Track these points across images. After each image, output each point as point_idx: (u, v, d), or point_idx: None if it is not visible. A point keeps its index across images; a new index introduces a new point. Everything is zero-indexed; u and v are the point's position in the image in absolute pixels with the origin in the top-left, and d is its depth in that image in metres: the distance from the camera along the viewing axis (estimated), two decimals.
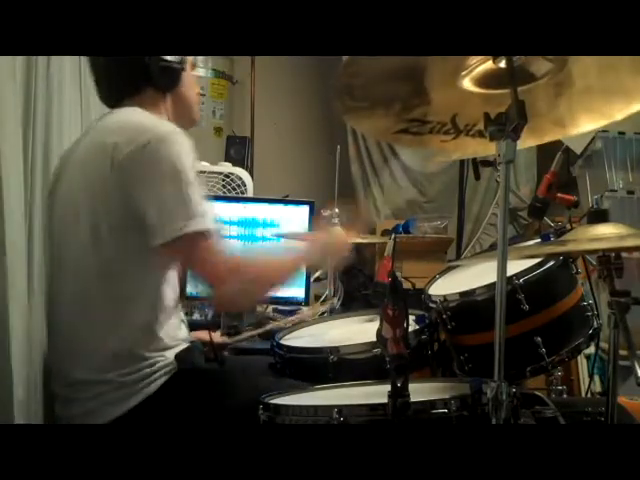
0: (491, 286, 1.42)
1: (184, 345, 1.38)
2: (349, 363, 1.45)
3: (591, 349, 1.76)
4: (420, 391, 1.15)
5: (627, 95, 1.12)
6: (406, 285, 1.95)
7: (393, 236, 1.72)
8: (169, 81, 1.43)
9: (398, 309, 0.99)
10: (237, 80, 3.65)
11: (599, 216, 1.20)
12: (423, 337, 1.53)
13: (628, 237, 1.12)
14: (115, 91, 1.42)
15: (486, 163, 2.10)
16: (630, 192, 2.97)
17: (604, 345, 1.62)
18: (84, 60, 1.73)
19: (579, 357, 2.39)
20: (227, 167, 2.65)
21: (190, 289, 2.01)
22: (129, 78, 1.40)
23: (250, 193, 2.60)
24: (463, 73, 1.12)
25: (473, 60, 1.10)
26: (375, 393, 1.18)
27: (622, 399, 1.57)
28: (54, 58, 1.50)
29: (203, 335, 1.64)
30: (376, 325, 1.01)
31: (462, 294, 1.51)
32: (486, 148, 1.20)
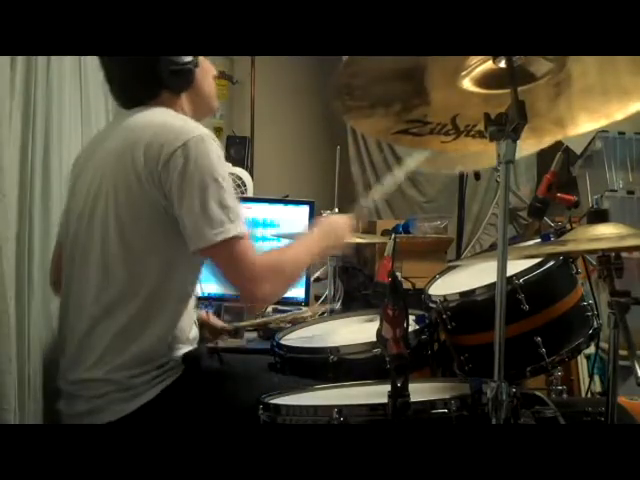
0: (491, 286, 1.42)
1: (192, 347, 1.38)
2: (349, 363, 1.45)
3: (591, 349, 1.76)
4: (420, 391, 1.15)
5: (627, 95, 1.12)
6: (406, 285, 1.95)
7: (393, 236, 1.72)
8: (182, 82, 1.42)
9: (398, 309, 0.99)
10: (237, 80, 3.65)
11: (599, 216, 1.20)
12: (423, 337, 1.53)
13: (628, 237, 1.12)
14: (133, 98, 1.41)
15: None
16: (630, 192, 2.97)
17: (604, 345, 1.62)
18: (90, 63, 1.73)
19: (579, 357, 2.39)
20: (227, 167, 2.65)
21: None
22: (144, 85, 1.39)
23: (250, 193, 2.60)
24: (463, 73, 1.12)
25: (473, 60, 1.10)
26: (375, 393, 1.18)
27: (622, 399, 1.57)
28: (54, 58, 1.50)
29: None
30: (376, 325, 1.01)
31: (462, 294, 1.51)
32: (486, 148, 1.20)
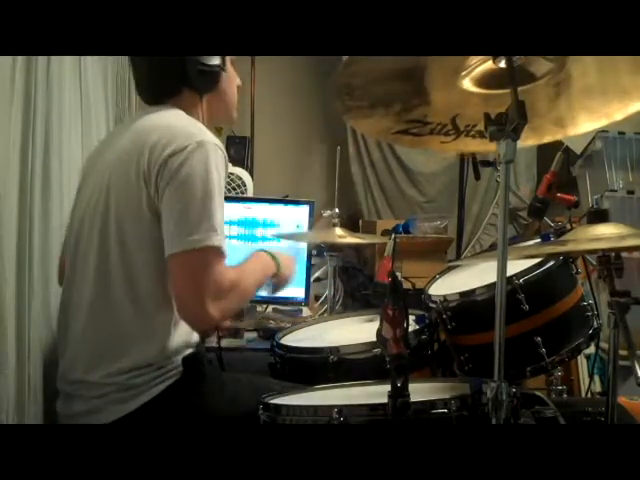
0: (491, 286, 1.42)
1: (191, 350, 1.36)
2: (349, 363, 1.45)
3: (591, 349, 1.76)
4: (420, 391, 1.15)
5: (627, 95, 1.12)
6: (406, 285, 1.95)
7: (393, 236, 1.72)
8: (206, 84, 1.42)
9: (398, 309, 0.99)
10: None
11: (599, 216, 1.20)
12: (423, 337, 1.53)
13: (628, 237, 1.12)
14: (154, 91, 1.41)
15: (486, 163, 2.10)
16: (630, 192, 2.97)
17: (604, 345, 1.62)
18: (90, 63, 1.73)
19: (579, 357, 2.39)
20: (229, 169, 2.65)
21: None
22: (167, 80, 1.39)
23: (250, 193, 2.60)
24: (463, 73, 1.13)
25: (473, 60, 1.10)
26: (375, 393, 1.18)
27: (622, 399, 1.57)
28: (54, 58, 1.50)
29: None
30: (376, 325, 1.01)
31: (462, 294, 1.51)
32: (486, 149, 1.20)
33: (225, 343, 1.84)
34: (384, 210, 3.95)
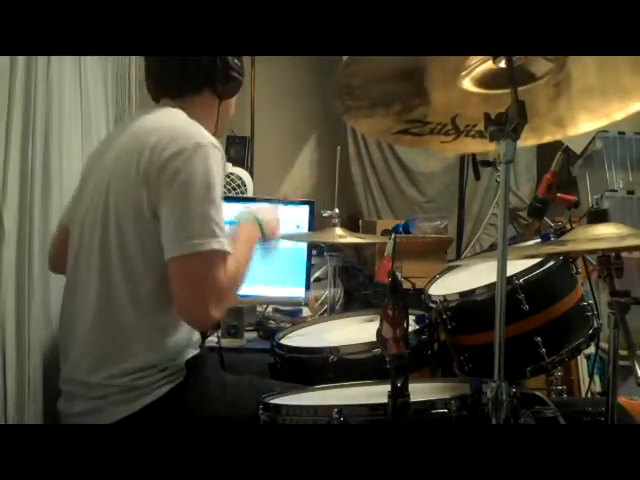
0: (491, 286, 1.42)
1: (195, 351, 1.36)
2: (349, 363, 1.45)
3: (591, 349, 1.76)
4: (420, 391, 1.15)
5: (627, 95, 1.12)
6: (406, 285, 1.95)
7: (393, 236, 1.72)
8: (229, 88, 1.44)
9: (398, 309, 0.99)
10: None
11: (599, 216, 1.20)
12: (423, 337, 1.53)
13: (628, 237, 1.12)
14: (173, 87, 1.40)
15: (486, 163, 2.10)
16: (630, 192, 2.97)
17: (604, 345, 1.62)
18: (90, 63, 1.73)
19: (579, 357, 2.39)
20: (227, 167, 2.65)
21: None
22: (193, 77, 1.39)
23: (250, 193, 2.60)
24: (463, 73, 1.12)
25: (473, 60, 1.10)
26: (375, 393, 1.18)
27: (622, 399, 1.57)
28: (54, 58, 1.50)
29: None
30: (376, 325, 1.01)
31: (462, 294, 1.51)
32: (486, 148, 1.21)
33: (225, 343, 1.84)
34: (384, 210, 3.95)
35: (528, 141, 1.24)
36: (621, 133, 3.03)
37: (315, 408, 1.11)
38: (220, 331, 1.91)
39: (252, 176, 2.86)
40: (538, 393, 1.58)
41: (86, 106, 1.77)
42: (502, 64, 1.07)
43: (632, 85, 1.10)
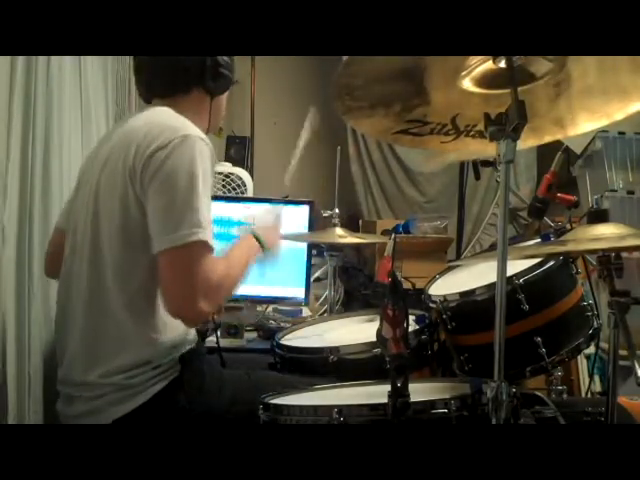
0: (491, 286, 1.42)
1: (189, 347, 1.36)
2: (349, 363, 1.45)
3: (591, 349, 1.76)
4: (420, 391, 1.15)
5: (627, 95, 1.12)
6: (406, 285, 1.94)
7: (393, 236, 1.71)
8: (220, 86, 1.44)
9: (398, 309, 0.99)
10: (237, 80, 3.65)
11: (599, 216, 1.20)
12: (423, 337, 1.53)
13: (628, 237, 1.12)
14: (162, 88, 1.41)
15: (486, 163, 2.10)
16: (630, 192, 2.96)
17: (604, 345, 1.62)
18: (90, 63, 1.73)
19: (579, 357, 2.39)
20: (227, 167, 2.65)
21: None
22: (181, 77, 1.39)
23: (250, 193, 2.60)
24: (463, 73, 1.12)
25: (473, 60, 1.10)
26: (375, 393, 1.18)
27: (622, 399, 1.57)
28: (54, 58, 1.50)
29: None
30: (376, 325, 1.01)
31: (462, 294, 1.51)
32: (486, 148, 1.20)
33: (225, 343, 1.84)
34: (384, 210, 3.95)
35: (528, 141, 1.24)
36: (621, 133, 3.03)
37: (315, 408, 1.11)
38: (219, 331, 1.90)
39: (252, 176, 2.86)
40: (538, 393, 1.58)
41: (86, 106, 1.77)
42: (502, 64, 1.07)
43: (632, 85, 1.10)
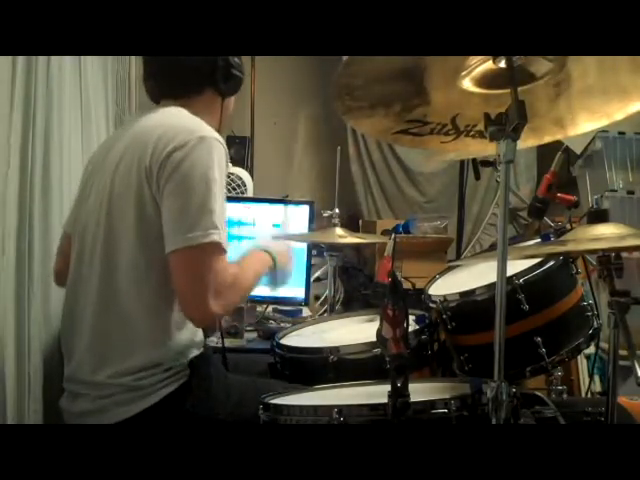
0: (491, 286, 1.42)
1: (198, 351, 1.36)
2: (349, 363, 1.45)
3: (591, 349, 1.76)
4: (420, 391, 1.15)
5: (627, 95, 1.12)
6: (406, 285, 1.95)
7: (393, 236, 1.71)
8: (231, 87, 1.45)
9: (398, 309, 0.99)
10: None
11: (599, 216, 1.20)
12: (423, 337, 1.53)
13: (628, 237, 1.12)
14: (174, 87, 1.41)
15: (486, 163, 2.11)
16: (630, 192, 2.96)
17: (604, 345, 1.62)
18: (90, 63, 1.73)
19: (579, 357, 2.39)
20: (228, 167, 2.65)
21: None
22: (194, 77, 1.40)
23: (250, 193, 2.60)
24: (463, 73, 1.12)
25: (473, 60, 1.10)
26: (375, 393, 1.18)
27: (622, 399, 1.57)
28: (54, 58, 1.50)
29: None
30: (376, 325, 1.01)
31: (462, 294, 1.51)
32: (486, 148, 1.21)
33: (225, 343, 1.84)
34: (384, 210, 3.95)
35: (528, 141, 1.24)
36: (621, 133, 3.03)
37: (315, 408, 1.11)
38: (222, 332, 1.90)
39: (252, 176, 2.86)
40: (538, 393, 1.58)
41: (86, 106, 1.77)
42: (502, 64, 1.07)
43: (632, 85, 1.10)
